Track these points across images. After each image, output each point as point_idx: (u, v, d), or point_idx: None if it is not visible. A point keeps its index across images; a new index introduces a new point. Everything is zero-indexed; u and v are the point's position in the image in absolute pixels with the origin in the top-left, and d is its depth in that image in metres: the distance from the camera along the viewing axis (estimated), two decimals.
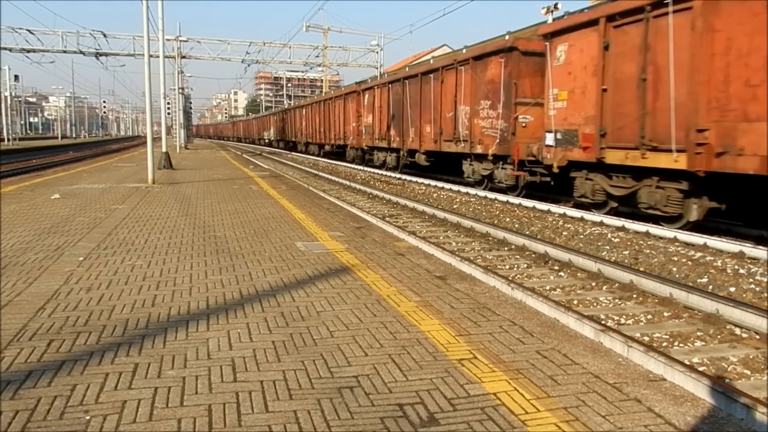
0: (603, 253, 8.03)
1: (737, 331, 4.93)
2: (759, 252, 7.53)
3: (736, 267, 7.20)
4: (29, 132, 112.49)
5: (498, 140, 14.41)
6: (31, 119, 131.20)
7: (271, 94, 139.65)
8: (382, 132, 23.37)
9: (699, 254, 7.89)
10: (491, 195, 14.35)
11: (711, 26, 8.44)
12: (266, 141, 58.14)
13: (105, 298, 4.49)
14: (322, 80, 62.30)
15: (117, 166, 22.54)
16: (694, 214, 9.33)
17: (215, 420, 2.62)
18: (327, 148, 34.37)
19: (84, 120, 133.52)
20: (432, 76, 18.37)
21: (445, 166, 19.59)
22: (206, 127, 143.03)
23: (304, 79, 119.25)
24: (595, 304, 5.77)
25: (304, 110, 39.84)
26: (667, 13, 9.17)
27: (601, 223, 10.28)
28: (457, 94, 16.55)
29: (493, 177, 15.19)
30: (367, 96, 25.75)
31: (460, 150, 16.62)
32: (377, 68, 40.31)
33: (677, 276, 6.82)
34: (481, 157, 15.62)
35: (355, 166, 26.69)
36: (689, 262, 7.46)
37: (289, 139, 46.68)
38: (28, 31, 34.41)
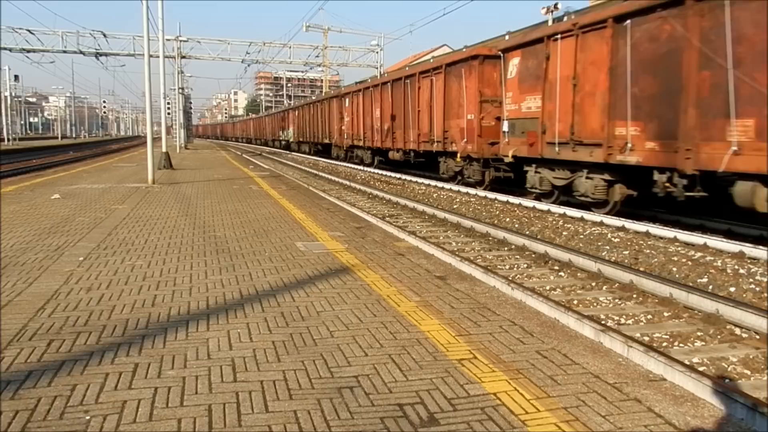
0: (603, 253, 8.03)
1: (737, 331, 4.92)
2: (759, 252, 7.53)
3: (736, 267, 7.19)
4: (29, 132, 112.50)
5: None
6: (31, 119, 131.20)
7: (271, 94, 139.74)
8: (584, 129, 11.18)
9: (699, 254, 7.88)
10: (491, 195, 14.23)
11: None
12: (284, 143, 47.48)
13: (105, 298, 4.49)
14: (322, 80, 62.26)
15: (117, 166, 22.54)
16: None
17: (215, 420, 2.62)
18: (395, 155, 21.68)
19: (84, 120, 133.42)
20: None
21: None
22: (212, 126, 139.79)
23: (304, 79, 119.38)
24: (595, 304, 5.77)
25: (347, 100, 27.49)
26: None
27: (601, 223, 10.27)
28: None
29: None
30: (517, 61, 13.52)
31: None
32: (377, 68, 40.38)
33: (677, 276, 6.82)
34: None
35: (355, 166, 25.95)
36: (689, 262, 7.46)
37: (318, 141, 34.84)
38: (28, 31, 34.46)
